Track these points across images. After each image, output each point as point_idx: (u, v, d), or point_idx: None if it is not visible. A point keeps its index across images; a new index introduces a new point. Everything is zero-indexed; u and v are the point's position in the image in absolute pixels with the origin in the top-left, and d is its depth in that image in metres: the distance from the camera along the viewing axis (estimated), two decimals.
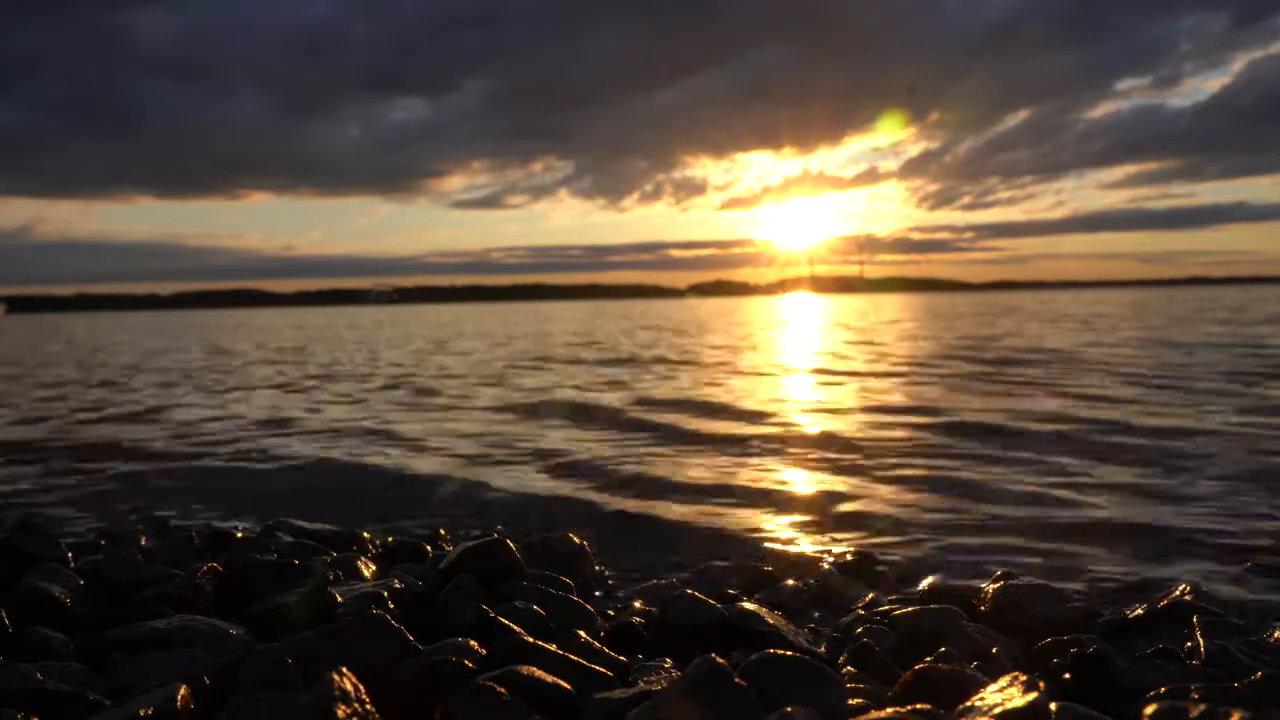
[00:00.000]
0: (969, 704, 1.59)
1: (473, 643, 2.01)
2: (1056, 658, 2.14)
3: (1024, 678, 1.59)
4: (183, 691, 1.67)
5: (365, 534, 3.56)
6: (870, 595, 2.84)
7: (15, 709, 1.65)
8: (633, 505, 4.23)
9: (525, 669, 1.78)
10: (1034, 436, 5.78)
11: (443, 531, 3.71)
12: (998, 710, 1.49)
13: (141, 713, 1.59)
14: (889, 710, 1.64)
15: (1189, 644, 2.20)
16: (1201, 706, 1.52)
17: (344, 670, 1.62)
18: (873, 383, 9.54)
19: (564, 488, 4.68)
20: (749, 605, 2.38)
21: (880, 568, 3.19)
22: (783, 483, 4.63)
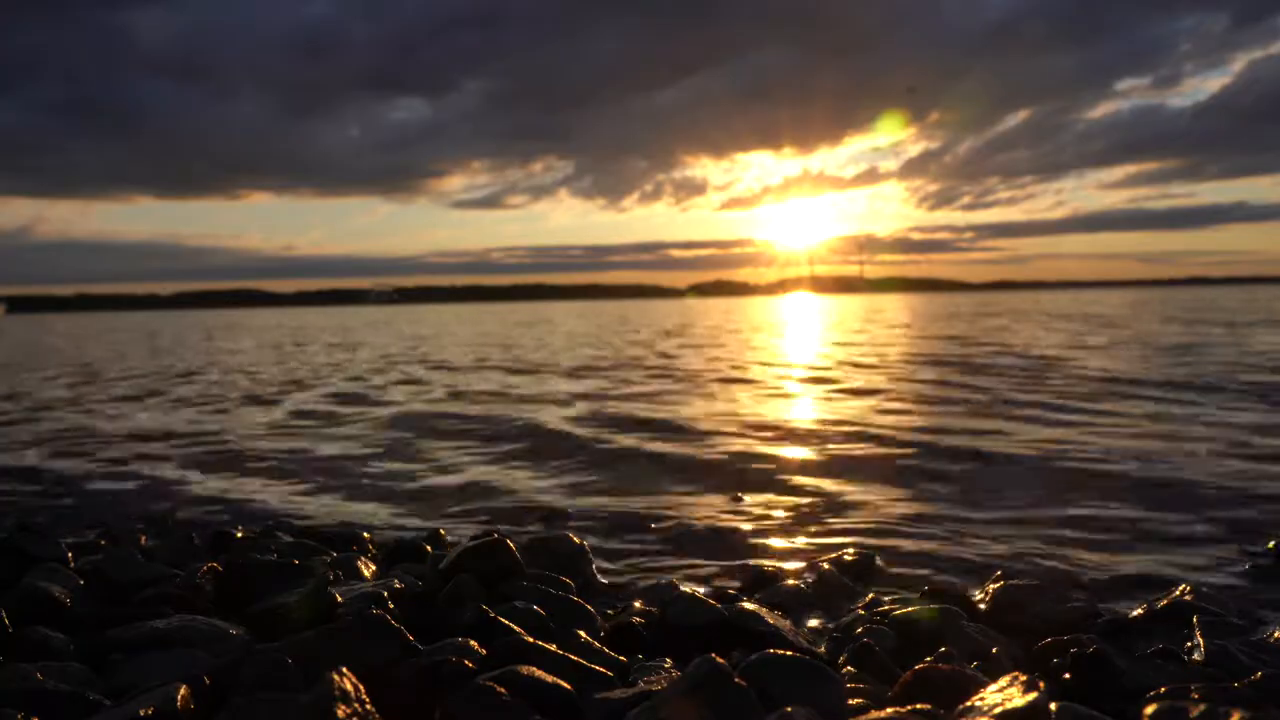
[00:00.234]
0: (969, 704, 1.59)
1: (473, 643, 2.01)
2: (1056, 658, 2.14)
3: (1024, 678, 1.59)
4: (183, 691, 1.67)
5: (365, 534, 3.56)
6: (870, 595, 2.84)
7: (15, 709, 1.65)
8: (632, 505, 4.23)
9: (525, 669, 1.78)
10: (1034, 434, 5.78)
11: (443, 531, 3.71)
12: (998, 710, 1.49)
13: (141, 713, 1.59)
14: (889, 710, 1.64)
15: (1189, 644, 2.20)
16: (1201, 706, 1.52)
17: (344, 670, 1.62)
18: (872, 383, 9.54)
19: (564, 488, 4.68)
20: (749, 605, 2.38)
21: (880, 568, 3.19)
22: (782, 483, 4.63)
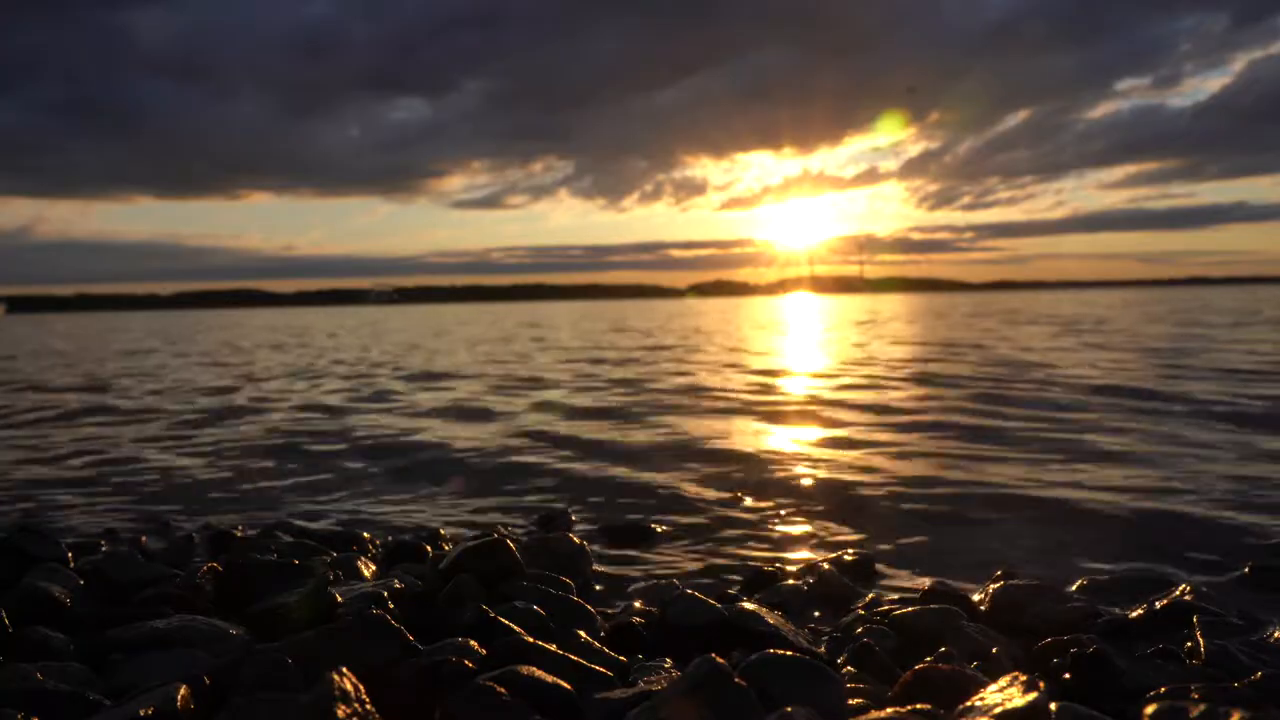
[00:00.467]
0: (969, 704, 1.59)
1: (473, 643, 2.01)
2: (1056, 658, 2.14)
3: (1024, 678, 1.59)
4: (183, 691, 1.67)
5: (365, 534, 3.56)
6: (870, 595, 2.84)
7: (15, 709, 1.65)
8: (632, 505, 4.23)
9: (525, 669, 1.78)
10: (1032, 437, 5.78)
11: (443, 531, 3.71)
12: (998, 710, 1.49)
13: (141, 713, 1.59)
14: (889, 710, 1.64)
15: (1189, 644, 2.20)
16: (1201, 706, 1.52)
17: (344, 670, 1.62)
18: (872, 381, 9.54)
19: (565, 488, 4.68)
20: (749, 605, 2.38)
21: (880, 568, 3.19)
22: (782, 484, 4.63)
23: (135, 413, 8.26)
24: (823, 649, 2.27)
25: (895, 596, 2.85)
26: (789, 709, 1.55)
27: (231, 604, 2.45)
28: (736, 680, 1.63)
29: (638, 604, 2.70)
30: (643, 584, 3.06)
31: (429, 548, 3.30)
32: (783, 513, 4.03)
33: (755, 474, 4.88)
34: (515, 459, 5.50)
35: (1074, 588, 2.88)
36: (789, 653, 1.88)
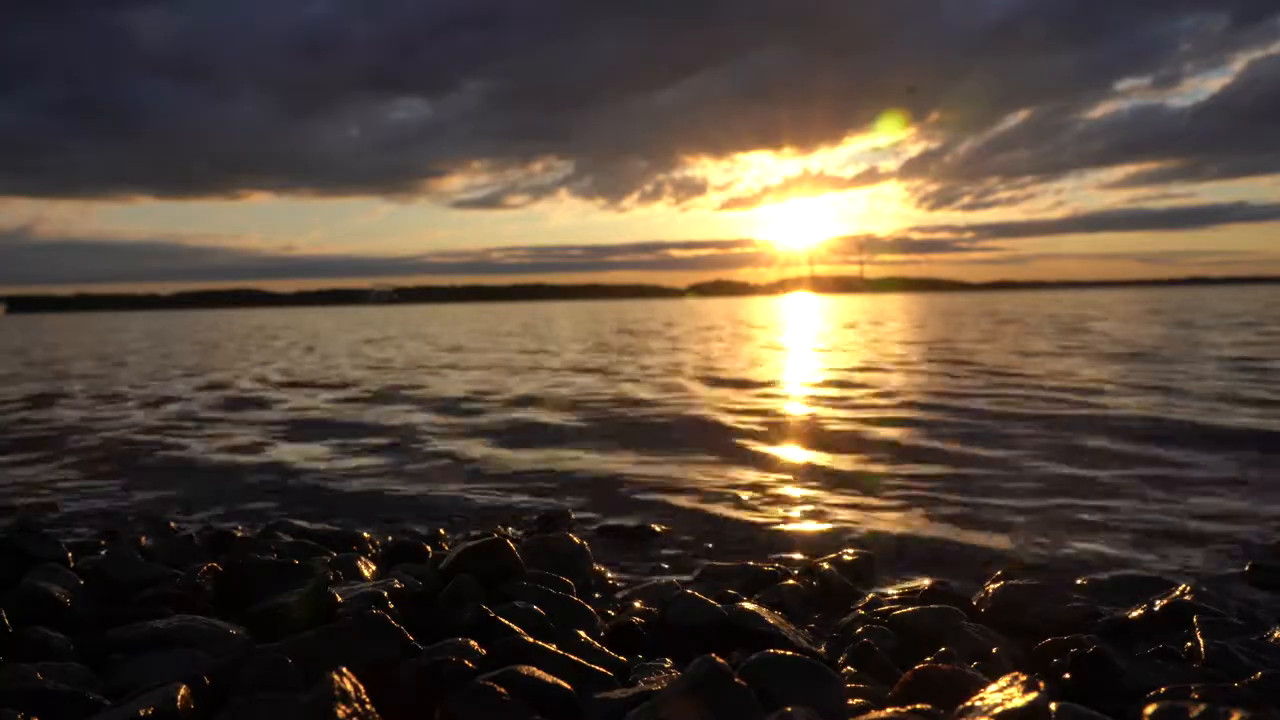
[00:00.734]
0: (969, 704, 1.59)
1: (473, 643, 2.01)
2: (1056, 658, 2.14)
3: (1024, 678, 1.59)
4: (183, 691, 1.67)
5: (365, 534, 3.56)
6: (870, 595, 2.84)
7: (15, 709, 1.65)
8: (632, 505, 4.23)
9: (525, 669, 1.78)
10: (1032, 437, 5.78)
11: (443, 531, 3.71)
12: (998, 710, 1.49)
13: (141, 713, 1.59)
14: (889, 710, 1.64)
15: (1189, 644, 2.20)
16: (1201, 706, 1.52)
17: (344, 670, 1.62)
18: (872, 380, 9.54)
19: (560, 489, 4.68)
20: (749, 605, 2.37)
21: (880, 568, 3.18)
22: (781, 484, 4.63)
23: None
24: (823, 649, 2.27)
25: (895, 596, 2.85)
26: (789, 709, 1.55)
27: (231, 604, 2.45)
28: (736, 680, 1.63)
29: (638, 604, 2.70)
30: (642, 584, 3.06)
31: (429, 548, 3.29)
32: (782, 512, 4.03)
33: (755, 474, 4.88)
34: (512, 459, 5.50)
35: (1074, 588, 2.88)
36: (789, 653, 1.88)
